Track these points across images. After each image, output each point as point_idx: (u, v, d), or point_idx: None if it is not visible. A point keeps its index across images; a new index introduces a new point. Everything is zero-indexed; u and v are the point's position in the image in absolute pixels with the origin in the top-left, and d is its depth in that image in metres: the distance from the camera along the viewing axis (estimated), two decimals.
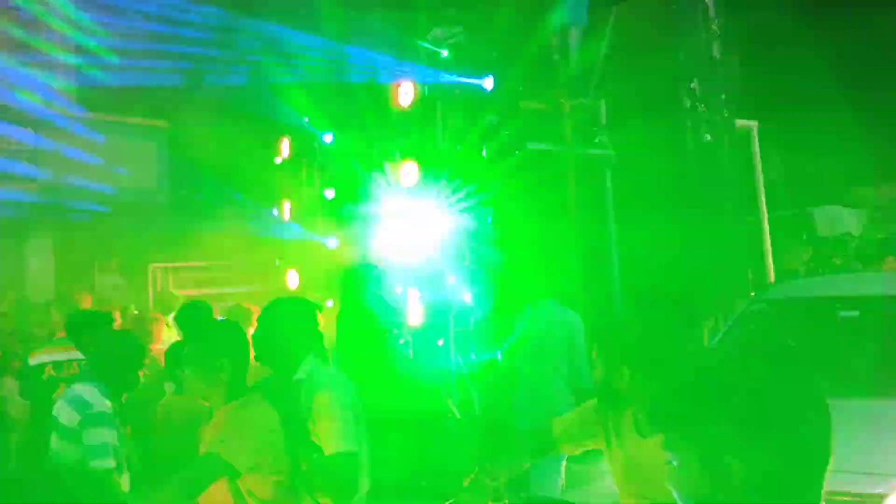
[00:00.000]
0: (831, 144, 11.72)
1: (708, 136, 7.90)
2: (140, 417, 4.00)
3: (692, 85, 7.90)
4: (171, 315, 5.75)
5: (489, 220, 6.65)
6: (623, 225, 8.06)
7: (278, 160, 8.85)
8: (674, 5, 7.96)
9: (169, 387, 4.19)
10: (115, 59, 11.37)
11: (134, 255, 11.54)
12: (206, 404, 2.95)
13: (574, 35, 8.35)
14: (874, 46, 12.12)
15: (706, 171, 7.82)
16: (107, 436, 3.37)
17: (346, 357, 4.72)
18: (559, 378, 5.26)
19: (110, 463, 3.34)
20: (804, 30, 11.91)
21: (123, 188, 12.48)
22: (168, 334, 5.79)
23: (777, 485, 1.21)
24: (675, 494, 1.32)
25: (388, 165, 7.22)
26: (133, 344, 3.71)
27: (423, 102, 7.45)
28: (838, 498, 3.54)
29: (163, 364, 4.46)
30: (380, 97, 7.48)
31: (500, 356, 6.14)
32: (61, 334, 4.81)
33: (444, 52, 7.42)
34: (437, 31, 8.16)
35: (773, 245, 8.43)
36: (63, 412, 3.45)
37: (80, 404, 3.43)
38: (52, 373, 4.42)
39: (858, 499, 3.69)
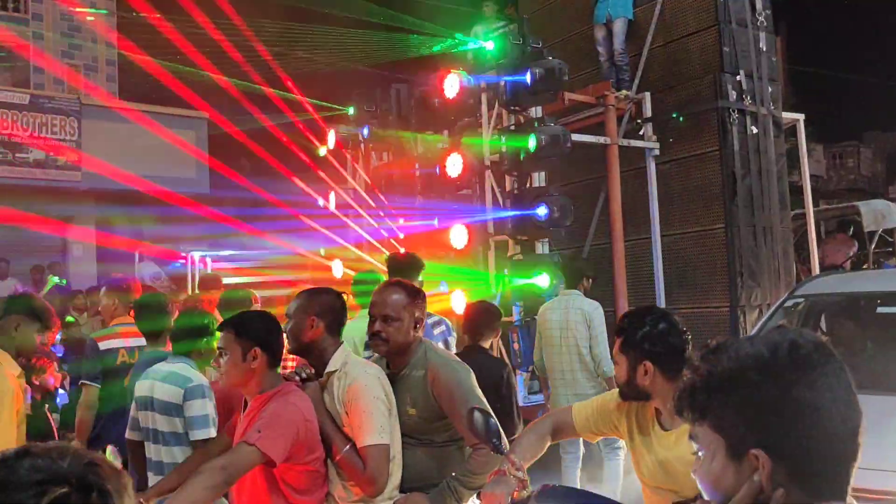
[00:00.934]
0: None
1: (754, 129, 7.84)
2: None
3: (738, 77, 7.83)
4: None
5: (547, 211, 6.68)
6: (666, 218, 8.03)
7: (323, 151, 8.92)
8: None
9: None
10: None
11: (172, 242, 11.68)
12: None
13: (619, 27, 8.31)
14: None
15: (751, 164, 7.76)
16: (208, 407, 3.56)
17: None
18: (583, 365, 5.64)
19: (212, 432, 3.51)
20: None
21: (164, 177, 12.71)
22: None
23: (801, 477, 1.21)
24: (700, 485, 1.32)
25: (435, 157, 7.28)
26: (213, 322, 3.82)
27: (469, 94, 7.49)
28: (875, 496, 3.54)
29: None
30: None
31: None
32: (120, 319, 4.92)
33: (490, 45, 7.44)
34: (482, 25, 8.20)
35: (818, 239, 8.35)
36: (159, 389, 3.62)
37: (180, 379, 3.59)
38: (126, 358, 4.58)
39: (888, 496, 3.64)
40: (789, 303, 5.84)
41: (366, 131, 9.48)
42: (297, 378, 2.99)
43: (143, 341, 4.36)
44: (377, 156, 9.78)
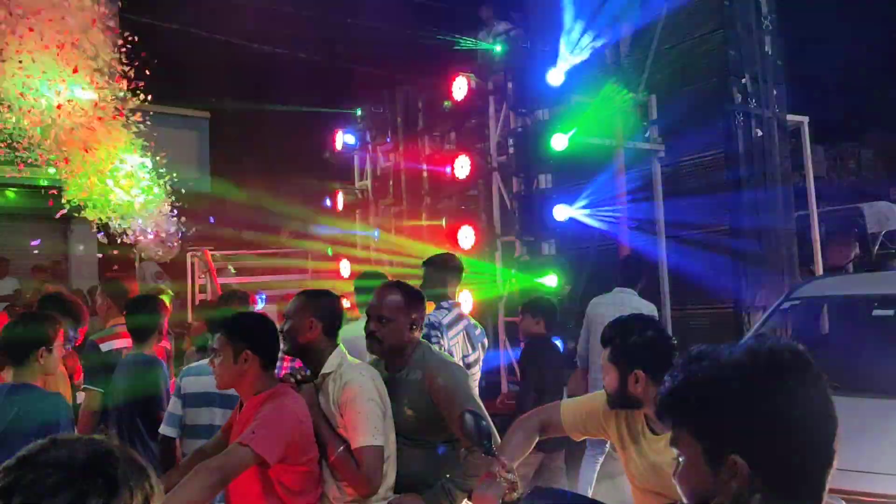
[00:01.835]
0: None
1: (759, 132, 7.89)
2: None
3: (743, 80, 7.88)
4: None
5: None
6: (671, 220, 8.06)
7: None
8: (726, 1, 7.92)
9: None
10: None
11: None
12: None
13: (626, 30, 8.35)
14: None
15: (756, 166, 7.80)
16: None
17: None
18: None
19: None
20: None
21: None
22: None
23: (778, 483, 1.24)
24: (679, 490, 1.35)
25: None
26: None
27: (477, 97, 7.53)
28: (871, 499, 3.51)
29: None
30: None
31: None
32: (117, 319, 4.81)
33: (498, 48, 7.48)
34: (491, 28, 8.23)
35: (821, 240, 8.40)
36: (189, 384, 3.71)
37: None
38: None
39: (883, 499, 3.59)
40: (786, 305, 5.84)
41: (373, 132, 9.51)
42: (293, 380, 3.00)
43: None
44: (384, 157, 9.80)
